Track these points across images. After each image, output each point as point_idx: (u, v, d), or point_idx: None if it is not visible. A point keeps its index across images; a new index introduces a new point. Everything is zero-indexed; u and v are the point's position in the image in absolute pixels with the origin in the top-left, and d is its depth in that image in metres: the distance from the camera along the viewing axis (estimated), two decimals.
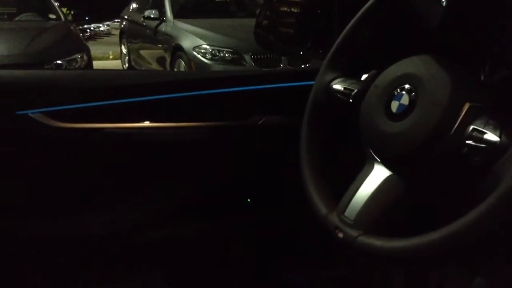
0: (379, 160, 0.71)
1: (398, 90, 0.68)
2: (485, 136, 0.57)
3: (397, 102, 0.68)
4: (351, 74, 0.84)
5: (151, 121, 1.03)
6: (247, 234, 1.14)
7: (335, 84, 0.83)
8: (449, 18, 0.87)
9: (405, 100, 0.67)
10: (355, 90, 0.79)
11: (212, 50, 4.95)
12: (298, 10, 1.27)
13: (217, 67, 4.85)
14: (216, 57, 4.95)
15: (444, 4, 0.85)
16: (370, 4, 0.82)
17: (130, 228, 1.07)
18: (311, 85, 1.00)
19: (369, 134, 0.73)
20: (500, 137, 0.56)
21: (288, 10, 1.28)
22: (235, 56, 4.90)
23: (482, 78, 0.70)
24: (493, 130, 0.57)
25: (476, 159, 0.59)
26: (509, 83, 0.68)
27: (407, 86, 0.67)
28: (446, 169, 0.63)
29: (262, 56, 4.73)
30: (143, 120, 1.02)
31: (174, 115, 1.03)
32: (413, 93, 0.66)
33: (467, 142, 0.59)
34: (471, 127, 0.60)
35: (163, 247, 1.09)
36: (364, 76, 0.93)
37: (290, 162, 0.89)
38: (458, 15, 0.86)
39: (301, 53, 1.29)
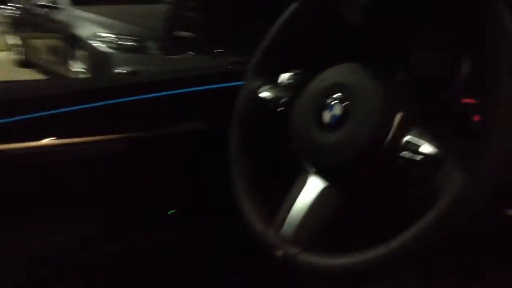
0: (313, 171, 0.69)
1: (330, 100, 0.66)
2: (421, 148, 0.57)
3: (330, 112, 0.66)
4: (277, 80, 0.81)
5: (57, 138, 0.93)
6: (178, 244, 1.09)
7: (262, 91, 0.80)
8: (368, 21, 0.87)
9: (337, 110, 0.65)
10: (284, 99, 0.76)
11: (113, 38, 4.71)
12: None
13: (120, 56, 4.63)
14: (118, 46, 4.72)
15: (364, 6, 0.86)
16: (292, 9, 0.79)
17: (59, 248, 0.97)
18: (233, 86, 0.96)
19: (302, 145, 0.71)
20: (436, 149, 0.56)
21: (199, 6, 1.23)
22: (138, 44, 4.70)
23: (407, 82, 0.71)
24: (429, 142, 0.57)
25: (413, 171, 0.58)
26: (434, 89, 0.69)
27: (338, 95, 0.66)
28: (383, 180, 0.63)
29: (168, 44, 4.58)
30: (51, 136, 0.92)
31: (85, 129, 0.94)
32: (346, 103, 0.65)
33: (403, 153, 0.59)
34: (406, 138, 0.59)
35: (93, 264, 1.01)
36: (283, 76, 0.91)
37: (217, 168, 0.85)
38: (376, 18, 0.86)
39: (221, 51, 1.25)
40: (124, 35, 4.73)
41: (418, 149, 0.58)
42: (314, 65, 0.91)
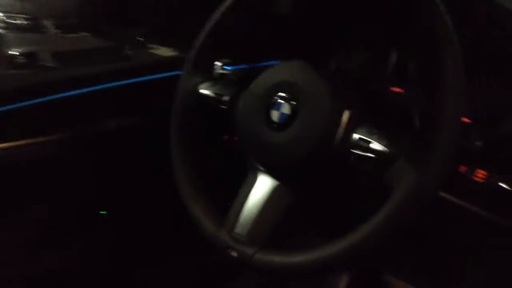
0: (263, 169, 0.69)
1: (277, 98, 0.66)
2: (372, 146, 0.60)
3: (278, 111, 0.66)
4: (215, 75, 0.80)
5: None
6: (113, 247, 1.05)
7: (203, 88, 0.78)
8: (302, 14, 0.88)
9: (285, 109, 0.65)
10: (228, 96, 0.75)
11: (2, 17, 4.31)
12: None
13: (11, 36, 4.26)
14: (8, 25, 4.33)
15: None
16: (228, 3, 0.77)
17: None
18: (165, 77, 0.93)
19: (250, 144, 0.70)
20: (387, 147, 0.59)
21: None
22: (32, 22, 4.36)
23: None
24: (379, 140, 0.60)
25: (365, 168, 0.61)
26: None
27: (286, 94, 0.66)
28: (335, 177, 0.64)
29: (66, 22, 4.29)
30: None
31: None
32: (293, 102, 0.65)
33: (353, 151, 0.61)
34: (356, 136, 0.61)
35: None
36: (222, 72, 0.89)
37: (152, 164, 0.82)
38: (309, 11, 0.88)
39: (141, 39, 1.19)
40: (15, 13, 4.36)
41: (368, 146, 0.60)
42: (252, 59, 0.90)
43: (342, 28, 0.91)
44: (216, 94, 0.76)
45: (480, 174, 0.73)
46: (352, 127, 0.62)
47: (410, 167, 0.56)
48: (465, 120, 0.77)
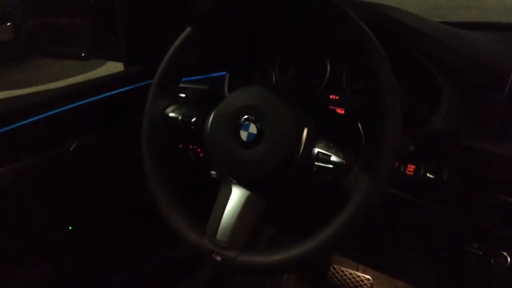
0: (236, 182, 0.79)
1: (244, 120, 0.76)
2: (331, 158, 0.72)
3: (246, 131, 0.76)
4: (180, 98, 0.87)
5: None
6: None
7: (171, 112, 0.85)
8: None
9: (252, 129, 0.75)
10: (195, 118, 0.83)
11: None
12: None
13: None
14: None
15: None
16: (187, 32, 0.85)
17: None
18: (119, 93, 0.98)
19: (222, 160, 0.79)
20: (343, 158, 0.71)
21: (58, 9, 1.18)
22: None
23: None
24: (336, 153, 0.72)
25: (325, 177, 0.73)
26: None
27: (251, 116, 0.76)
28: (300, 186, 0.76)
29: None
30: None
31: None
32: (259, 123, 0.75)
33: (315, 163, 0.73)
34: (316, 150, 0.73)
35: None
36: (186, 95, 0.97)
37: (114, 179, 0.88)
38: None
39: (83, 54, 1.21)
40: None
41: (328, 159, 0.72)
42: (202, 70, 0.98)
43: (281, 41, 1.01)
44: (184, 116, 0.84)
45: (411, 168, 0.88)
46: (311, 142, 0.74)
47: (363, 176, 0.69)
48: None
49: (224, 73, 1.09)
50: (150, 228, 0.91)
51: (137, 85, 1.13)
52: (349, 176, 0.71)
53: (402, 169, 0.88)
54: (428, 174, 0.87)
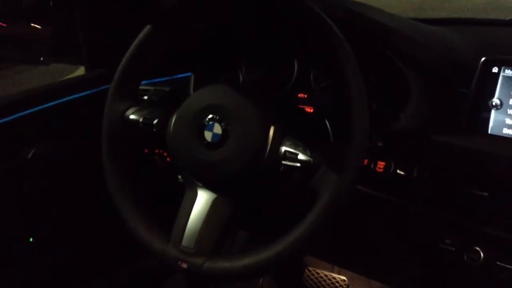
0: (201, 185, 0.76)
1: (208, 120, 0.73)
2: (298, 157, 0.69)
3: (210, 132, 0.73)
4: (141, 99, 0.84)
5: None
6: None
7: (131, 114, 0.81)
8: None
9: (217, 129, 0.72)
10: (156, 120, 0.80)
11: None
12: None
13: None
14: None
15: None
16: (145, 31, 0.81)
17: None
18: (80, 98, 0.94)
19: (186, 163, 0.76)
20: (311, 156, 0.69)
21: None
22: None
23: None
24: (303, 151, 0.69)
25: (294, 176, 0.70)
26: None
27: (215, 116, 0.73)
28: (269, 186, 0.73)
29: None
30: None
31: None
32: (224, 122, 0.72)
33: (283, 162, 0.70)
34: (283, 148, 0.70)
35: None
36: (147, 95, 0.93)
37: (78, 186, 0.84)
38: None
39: (41, 59, 1.16)
40: None
41: (295, 157, 0.70)
42: (166, 72, 0.95)
43: (247, 41, 0.99)
44: (145, 118, 0.80)
45: (381, 165, 0.86)
46: (278, 141, 0.71)
47: (331, 173, 0.67)
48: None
49: (190, 74, 1.06)
50: (117, 238, 0.87)
51: (99, 88, 1.09)
52: (317, 174, 0.68)
53: (372, 166, 0.87)
54: (398, 171, 0.86)
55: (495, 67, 0.82)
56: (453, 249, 0.86)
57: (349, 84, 0.67)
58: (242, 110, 0.72)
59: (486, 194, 0.80)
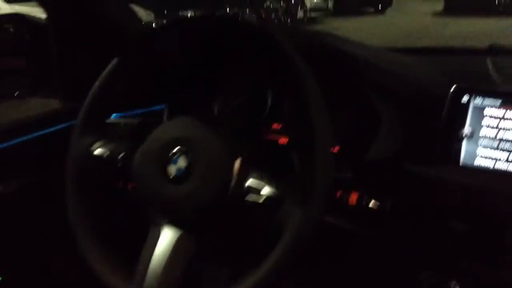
0: (165, 222, 0.73)
1: (173, 154, 0.71)
2: (262, 191, 0.67)
3: (175, 166, 0.70)
4: (107, 133, 0.82)
5: None
6: None
7: (96, 148, 0.80)
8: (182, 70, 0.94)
9: (182, 163, 0.70)
10: (122, 154, 0.78)
11: None
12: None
13: None
14: None
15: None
16: (114, 64, 0.81)
17: None
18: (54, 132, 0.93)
19: (150, 198, 0.74)
20: (275, 189, 0.67)
21: None
22: None
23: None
24: (268, 184, 0.68)
25: (259, 211, 0.68)
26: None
27: (180, 149, 0.71)
28: (234, 222, 0.71)
29: None
30: None
31: None
32: (188, 156, 0.70)
33: (247, 196, 0.68)
34: (248, 182, 0.69)
35: None
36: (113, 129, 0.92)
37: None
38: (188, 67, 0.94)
39: (16, 94, 1.15)
40: None
41: (259, 191, 0.68)
42: (140, 104, 0.94)
43: (221, 74, 0.98)
44: (110, 152, 0.78)
45: (354, 197, 0.84)
46: (244, 174, 0.69)
47: (294, 208, 0.65)
48: (335, 150, 0.89)
49: (164, 106, 1.05)
50: (89, 276, 0.83)
51: (73, 122, 1.07)
52: (281, 208, 0.66)
53: (345, 198, 0.85)
54: (372, 203, 0.84)
55: (466, 96, 0.82)
56: (430, 283, 0.83)
57: (311, 116, 0.65)
58: (207, 142, 0.71)
59: (461, 226, 0.78)
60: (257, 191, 0.68)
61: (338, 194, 0.85)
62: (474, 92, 0.81)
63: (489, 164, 0.79)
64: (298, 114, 0.69)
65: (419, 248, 0.84)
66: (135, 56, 0.81)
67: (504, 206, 0.76)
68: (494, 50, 1.10)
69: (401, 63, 0.92)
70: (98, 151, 0.79)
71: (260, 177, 0.69)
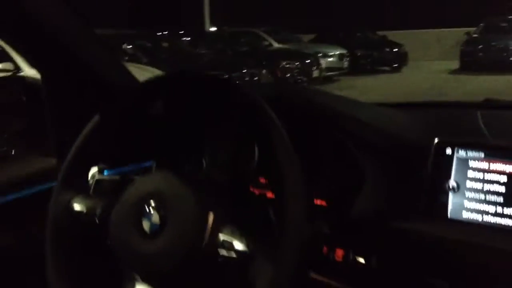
0: (139, 279, 0.72)
1: (146, 209, 0.70)
2: (235, 246, 0.66)
3: (148, 221, 0.70)
4: (88, 189, 0.82)
5: None
6: None
7: (76, 204, 0.79)
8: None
9: (155, 218, 0.69)
10: (99, 210, 0.78)
11: None
12: None
13: None
14: None
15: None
16: (95, 120, 0.82)
17: None
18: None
19: (125, 254, 0.72)
20: (247, 246, 0.65)
21: None
22: None
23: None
24: (240, 240, 0.66)
25: (231, 267, 0.66)
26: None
27: (154, 204, 0.70)
28: (207, 279, 0.69)
29: None
30: None
31: None
32: (162, 211, 0.69)
33: (220, 251, 0.66)
34: (221, 237, 0.67)
35: None
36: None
37: None
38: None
39: (12, 153, 1.18)
40: None
41: (232, 247, 0.66)
42: (126, 161, 0.94)
43: (206, 129, 0.99)
44: (88, 208, 0.78)
45: (339, 253, 0.82)
46: (217, 229, 0.68)
47: (266, 265, 0.63)
48: (321, 203, 0.87)
49: (150, 163, 1.05)
50: None
51: None
52: (253, 265, 0.64)
53: (331, 255, 0.82)
54: (357, 259, 0.81)
55: (449, 149, 0.80)
56: None
57: (283, 174, 0.65)
58: (181, 197, 0.70)
59: (446, 283, 0.74)
60: (229, 246, 0.66)
61: (325, 250, 0.82)
62: (457, 145, 0.79)
63: (477, 217, 0.76)
64: (270, 165, 0.68)
65: None
66: (117, 112, 0.83)
67: (495, 261, 0.73)
68: (488, 104, 1.09)
69: (383, 116, 0.92)
70: (77, 207, 0.79)
71: (232, 232, 0.67)
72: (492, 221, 0.75)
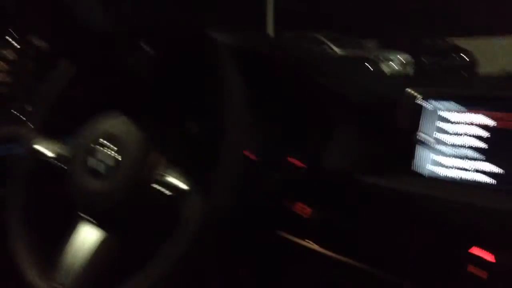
0: (90, 220, 0.72)
1: (101, 149, 0.71)
2: (171, 183, 0.66)
3: (102, 161, 0.71)
4: (60, 138, 0.85)
5: None
6: None
7: (45, 150, 0.82)
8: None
9: (109, 159, 0.70)
10: (66, 154, 0.79)
11: None
12: None
13: None
14: None
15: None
16: (62, 68, 0.84)
17: None
18: None
19: (78, 196, 0.74)
20: (183, 183, 0.65)
21: None
22: None
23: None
24: (177, 177, 0.66)
25: (168, 204, 0.66)
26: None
27: (108, 144, 0.71)
28: (147, 216, 0.69)
29: None
30: None
31: None
32: (115, 152, 0.70)
33: (160, 189, 0.66)
34: (160, 175, 0.67)
35: None
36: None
37: None
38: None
39: None
40: None
41: (169, 184, 0.66)
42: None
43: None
44: (57, 154, 0.80)
45: (306, 211, 0.79)
46: (156, 167, 0.68)
47: (197, 200, 0.62)
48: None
49: None
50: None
51: None
52: (187, 201, 0.64)
53: (297, 210, 0.79)
54: (323, 216, 0.78)
55: (418, 100, 0.75)
56: None
57: (223, 102, 0.64)
58: (130, 137, 0.70)
59: (412, 241, 0.69)
60: (168, 184, 0.66)
61: (292, 206, 0.80)
62: (426, 95, 0.74)
63: (441, 171, 0.71)
64: (219, 107, 0.67)
65: (369, 267, 0.75)
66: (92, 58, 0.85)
67: (457, 215, 0.67)
68: None
69: (354, 68, 0.88)
70: (46, 152, 0.81)
71: (173, 172, 0.67)
72: (455, 176, 0.70)
